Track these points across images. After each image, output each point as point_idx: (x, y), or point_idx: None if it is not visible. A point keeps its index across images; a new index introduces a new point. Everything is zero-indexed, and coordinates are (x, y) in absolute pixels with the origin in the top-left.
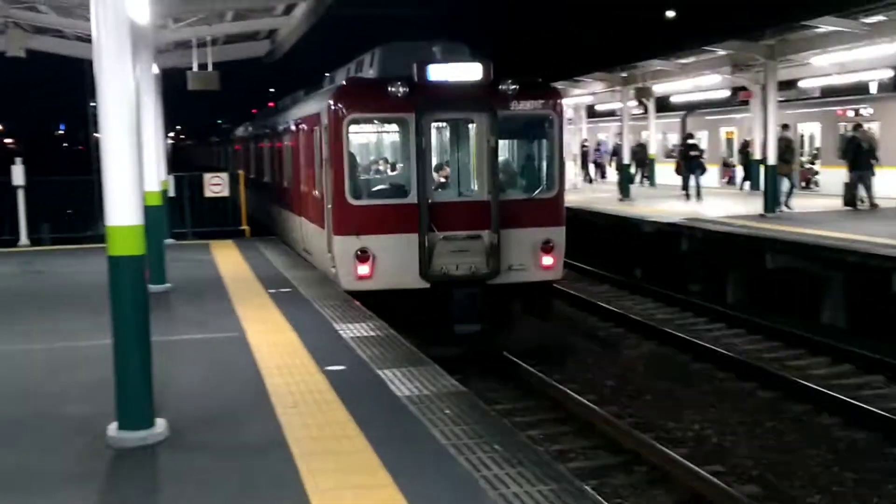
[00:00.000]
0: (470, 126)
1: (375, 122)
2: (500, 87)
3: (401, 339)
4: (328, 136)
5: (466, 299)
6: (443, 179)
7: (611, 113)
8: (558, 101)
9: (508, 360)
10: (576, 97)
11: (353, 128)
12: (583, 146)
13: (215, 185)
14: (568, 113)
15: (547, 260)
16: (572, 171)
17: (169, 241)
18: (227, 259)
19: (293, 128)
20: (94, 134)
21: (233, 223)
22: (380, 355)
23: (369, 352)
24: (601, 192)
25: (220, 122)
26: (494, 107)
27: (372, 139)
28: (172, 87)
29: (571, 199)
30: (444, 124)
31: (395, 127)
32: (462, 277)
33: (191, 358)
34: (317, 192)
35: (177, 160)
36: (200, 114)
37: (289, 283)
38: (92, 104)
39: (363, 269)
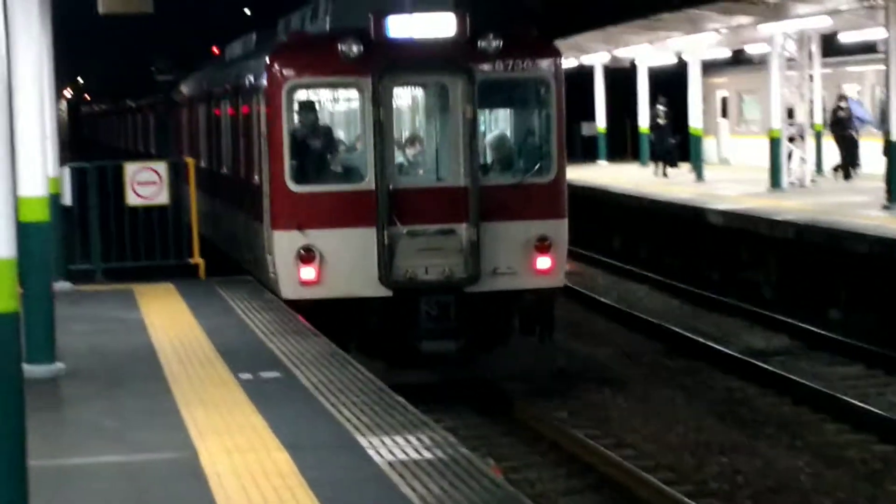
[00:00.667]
0: (442, 93)
1: (323, 88)
2: (479, 43)
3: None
4: (265, 105)
5: (438, 311)
6: (407, 160)
7: (866, 48)
8: (556, 59)
9: (498, 392)
10: (799, 19)
11: (295, 95)
12: (837, 110)
13: (146, 184)
14: (787, 47)
15: (543, 262)
16: (797, 155)
17: (62, 285)
18: (167, 317)
19: (231, 93)
20: None
21: (176, 254)
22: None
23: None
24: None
25: (155, 71)
26: (472, 68)
27: (321, 109)
28: (71, 15)
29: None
30: (410, 91)
31: (348, 94)
32: (432, 283)
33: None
34: (256, 179)
35: (78, 139)
36: (120, 59)
37: (275, 361)
38: None
39: (308, 273)
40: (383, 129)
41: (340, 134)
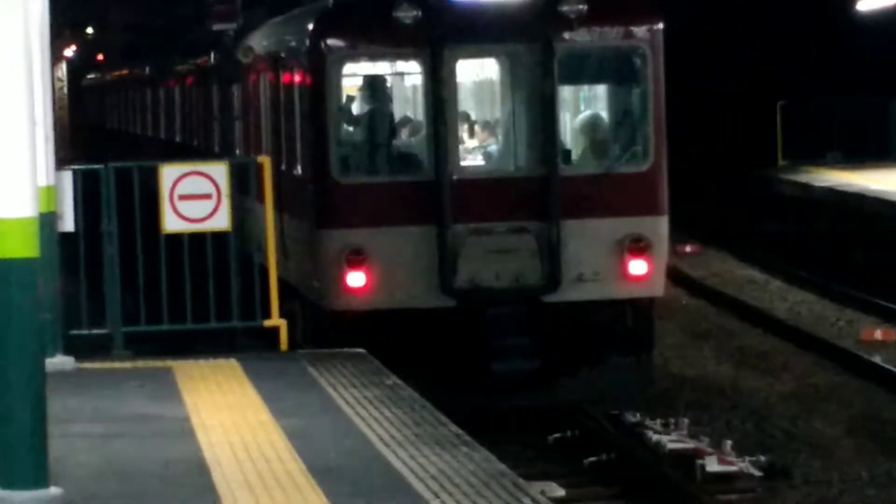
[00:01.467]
0: (515, 66)
1: (375, 60)
2: (560, 6)
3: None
4: (306, 81)
5: (510, 324)
6: (474, 146)
7: None
8: (654, 24)
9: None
10: None
11: (344, 69)
12: None
13: (194, 197)
14: None
15: (637, 266)
16: None
17: (60, 360)
18: (226, 414)
19: (271, 66)
20: None
21: (243, 312)
22: None
23: None
24: None
25: (210, 16)
26: (551, 36)
27: (374, 85)
28: None
29: None
30: (477, 63)
31: (405, 67)
32: (503, 291)
33: None
34: (298, 170)
35: (82, 125)
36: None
37: (402, 487)
38: None
39: (356, 280)
40: (445, 110)
41: (395, 115)
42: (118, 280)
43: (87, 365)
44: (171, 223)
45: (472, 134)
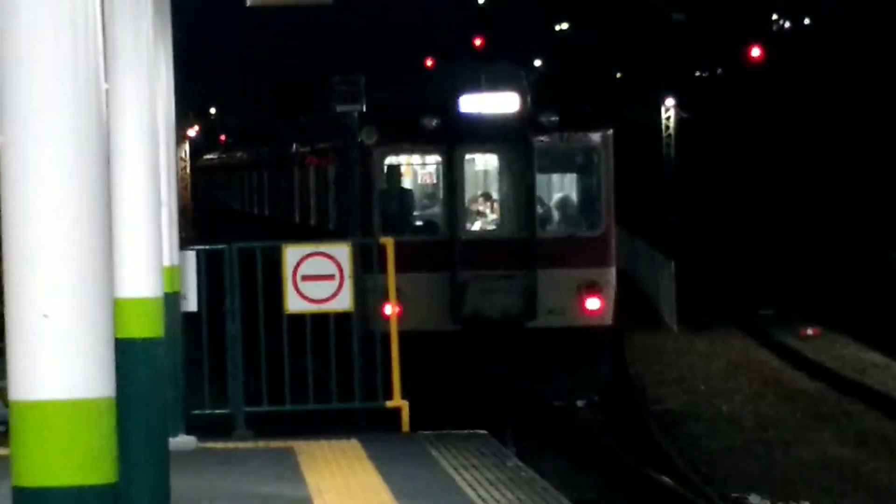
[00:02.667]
0: (506, 159)
1: (406, 154)
2: (539, 118)
3: None
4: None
5: (501, 343)
6: (476, 215)
7: None
8: (606, 131)
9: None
10: None
11: (386, 160)
12: None
13: (317, 278)
14: None
15: (592, 303)
16: None
17: (182, 440)
18: (349, 496)
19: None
20: None
21: (365, 393)
22: None
23: None
24: None
25: (334, 96)
26: (531, 139)
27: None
28: (206, 12)
29: None
30: (480, 157)
31: (427, 160)
32: (495, 319)
33: None
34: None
35: (200, 212)
36: (277, 81)
37: None
38: None
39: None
40: (456, 190)
41: (420, 193)
42: (240, 360)
43: (209, 445)
44: (293, 304)
45: (475, 207)
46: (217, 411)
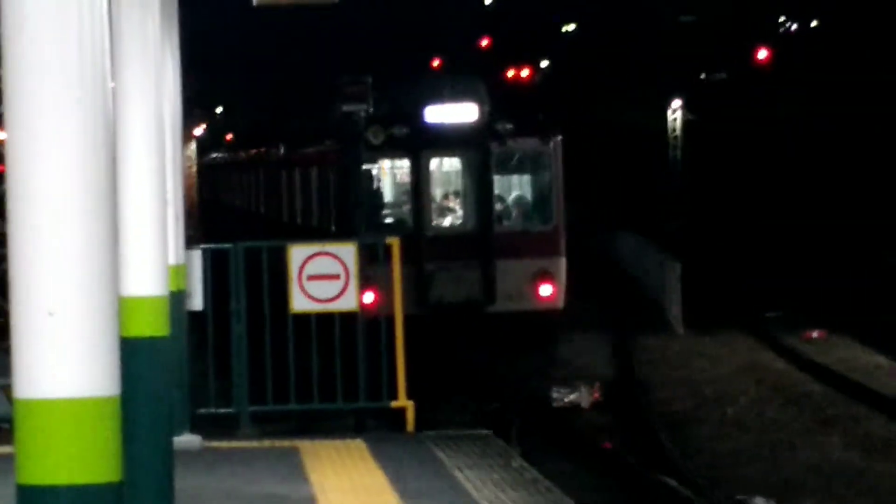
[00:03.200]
0: (467, 163)
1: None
2: (495, 125)
3: None
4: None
5: (463, 326)
6: (441, 213)
7: None
8: (556, 137)
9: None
10: None
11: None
12: None
13: (322, 278)
14: None
15: (545, 290)
16: None
17: (187, 439)
18: (353, 495)
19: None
20: None
21: (370, 392)
22: None
23: None
24: None
25: (339, 96)
26: (488, 145)
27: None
28: (210, 13)
29: None
30: (444, 161)
31: (398, 164)
32: (459, 304)
33: None
34: (333, 228)
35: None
36: (283, 79)
37: None
38: None
39: (367, 298)
40: (422, 191)
41: (391, 193)
42: (245, 359)
43: (214, 443)
44: (299, 303)
45: (441, 209)
46: (222, 410)
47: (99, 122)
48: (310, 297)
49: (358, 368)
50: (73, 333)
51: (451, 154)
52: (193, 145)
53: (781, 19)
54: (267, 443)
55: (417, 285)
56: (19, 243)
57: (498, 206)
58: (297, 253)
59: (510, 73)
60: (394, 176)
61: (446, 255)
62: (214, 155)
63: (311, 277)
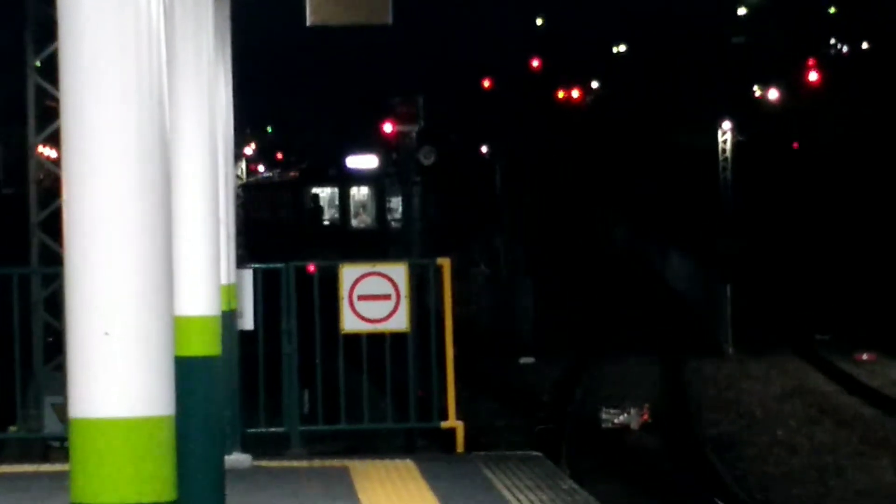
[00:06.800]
0: (373, 190)
1: (322, 187)
2: (387, 169)
3: None
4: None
5: None
6: (357, 218)
7: None
8: (418, 178)
9: None
10: None
11: (312, 190)
12: None
13: (373, 298)
14: None
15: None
16: None
17: (237, 458)
18: None
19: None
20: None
21: (420, 413)
22: None
23: None
24: None
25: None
26: (383, 180)
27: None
28: (265, 31)
29: None
30: (358, 189)
31: (332, 190)
32: None
33: None
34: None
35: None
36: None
37: None
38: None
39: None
40: (346, 206)
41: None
42: (296, 379)
43: (264, 463)
44: (349, 323)
45: (356, 214)
46: (272, 429)
47: (155, 140)
48: (360, 317)
49: (409, 389)
50: (128, 353)
51: (364, 184)
52: (244, 163)
53: (832, 41)
54: (317, 462)
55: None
56: (75, 263)
57: (388, 215)
58: (349, 273)
59: (560, 94)
60: (330, 197)
61: (359, 241)
62: (265, 174)
63: (362, 297)
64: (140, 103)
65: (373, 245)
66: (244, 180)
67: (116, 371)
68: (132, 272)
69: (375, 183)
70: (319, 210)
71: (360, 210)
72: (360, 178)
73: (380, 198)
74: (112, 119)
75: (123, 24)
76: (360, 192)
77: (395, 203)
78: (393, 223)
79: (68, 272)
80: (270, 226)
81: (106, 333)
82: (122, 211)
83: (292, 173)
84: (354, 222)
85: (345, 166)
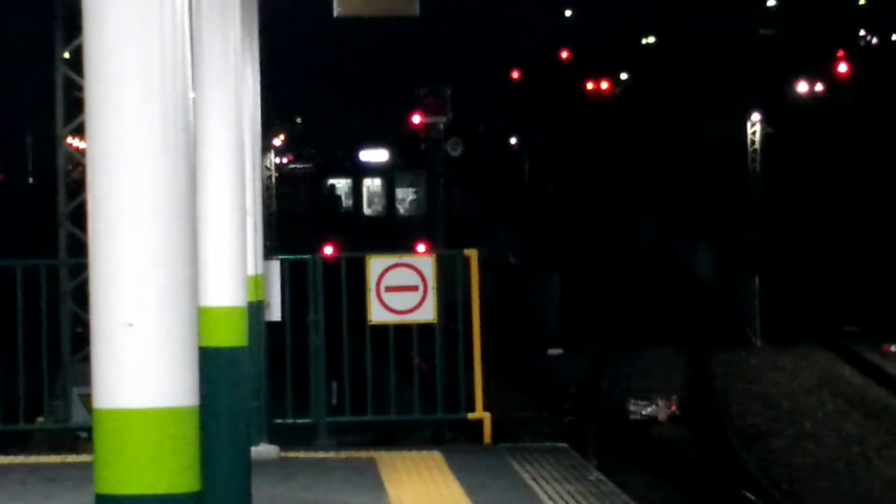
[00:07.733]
0: (384, 181)
1: (338, 178)
2: (397, 161)
3: None
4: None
5: None
6: (370, 206)
7: None
8: (423, 171)
9: None
10: None
11: (329, 180)
12: None
13: (400, 289)
14: None
15: (420, 248)
16: None
17: (264, 449)
18: None
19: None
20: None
21: (447, 404)
22: None
23: None
24: None
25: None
26: (393, 173)
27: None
28: (293, 22)
29: None
30: (371, 180)
31: (347, 181)
32: None
33: None
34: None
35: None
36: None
37: None
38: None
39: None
40: (361, 195)
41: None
42: (323, 370)
43: (291, 454)
44: (377, 314)
45: (369, 203)
46: (299, 420)
47: (180, 132)
48: (388, 308)
49: (436, 380)
50: (153, 344)
51: (376, 176)
52: (272, 155)
53: (861, 32)
54: (344, 454)
55: (355, 243)
56: (99, 254)
57: (397, 204)
58: (376, 264)
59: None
60: (345, 187)
61: (372, 228)
62: (294, 165)
63: (389, 289)
64: (164, 95)
65: (383, 231)
66: (272, 171)
67: (140, 362)
68: (156, 264)
69: (385, 175)
70: (336, 199)
71: (374, 199)
72: (372, 170)
73: (389, 189)
74: (135, 110)
75: (148, 15)
76: (373, 184)
77: (403, 194)
78: (401, 212)
79: (92, 263)
80: (293, 215)
81: (130, 324)
82: (146, 202)
83: (309, 165)
84: (368, 211)
85: (358, 159)
